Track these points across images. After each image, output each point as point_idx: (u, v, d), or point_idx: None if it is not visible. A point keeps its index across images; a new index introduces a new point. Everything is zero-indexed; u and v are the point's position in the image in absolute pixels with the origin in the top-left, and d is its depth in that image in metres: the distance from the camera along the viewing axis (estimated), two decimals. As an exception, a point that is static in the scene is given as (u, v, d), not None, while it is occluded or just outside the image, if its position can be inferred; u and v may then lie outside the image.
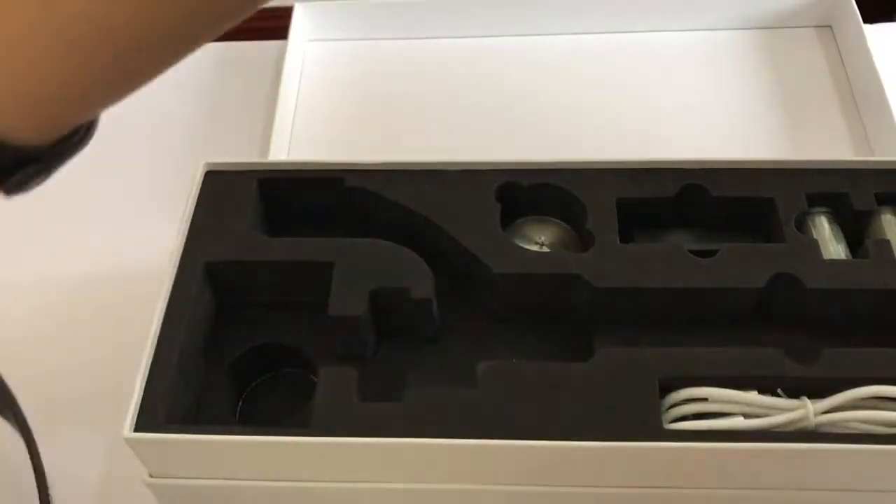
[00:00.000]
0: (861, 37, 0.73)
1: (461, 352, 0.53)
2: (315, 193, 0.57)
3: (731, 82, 0.76)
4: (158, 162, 0.73)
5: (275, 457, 0.47)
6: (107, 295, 0.64)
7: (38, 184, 0.37)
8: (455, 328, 0.54)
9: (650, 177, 0.55)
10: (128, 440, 0.46)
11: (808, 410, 0.46)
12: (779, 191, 0.54)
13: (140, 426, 0.46)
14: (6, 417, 0.54)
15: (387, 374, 0.52)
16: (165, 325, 0.49)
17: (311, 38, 0.82)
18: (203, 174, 0.56)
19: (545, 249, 0.55)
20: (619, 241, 0.52)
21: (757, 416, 0.47)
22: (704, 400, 0.47)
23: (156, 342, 0.49)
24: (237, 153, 0.72)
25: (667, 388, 0.47)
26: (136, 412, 0.46)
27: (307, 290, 0.52)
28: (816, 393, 0.47)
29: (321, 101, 0.77)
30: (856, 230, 0.55)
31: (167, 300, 0.50)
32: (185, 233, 0.53)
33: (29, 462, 0.52)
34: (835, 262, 0.52)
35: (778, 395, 0.48)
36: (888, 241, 0.52)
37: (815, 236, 0.53)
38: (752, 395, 0.47)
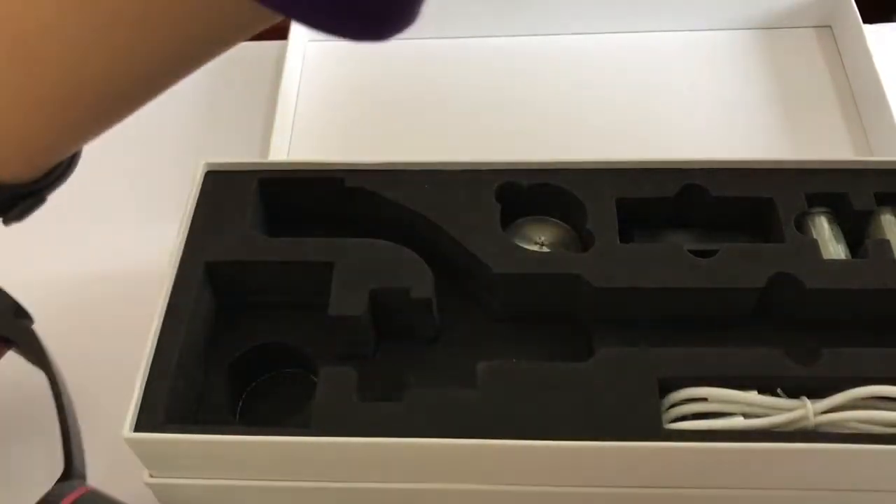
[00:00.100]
0: (861, 37, 0.73)
1: (461, 352, 0.53)
2: (315, 193, 0.57)
3: (731, 82, 0.76)
4: (158, 162, 0.73)
5: (275, 457, 0.47)
6: (107, 295, 0.64)
7: (33, 211, 0.39)
8: (455, 328, 0.54)
9: (650, 177, 0.55)
10: (128, 440, 0.46)
11: (807, 410, 0.46)
12: (778, 191, 0.54)
13: (140, 426, 0.46)
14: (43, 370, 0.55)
15: (387, 374, 0.52)
16: (165, 325, 0.50)
17: (311, 38, 0.82)
18: (203, 174, 0.56)
19: (545, 249, 0.56)
20: (618, 241, 0.52)
21: (757, 415, 0.47)
22: (704, 400, 0.47)
23: (156, 342, 0.49)
24: (237, 153, 0.72)
25: (667, 388, 0.48)
26: (136, 412, 0.46)
27: (307, 290, 0.52)
28: (816, 393, 0.47)
29: (321, 101, 0.77)
30: (856, 230, 0.55)
31: (167, 300, 0.50)
32: (186, 233, 0.53)
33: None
34: (834, 262, 0.52)
35: (778, 395, 0.48)
36: (888, 241, 0.52)
37: (814, 236, 0.53)
38: (752, 395, 0.47)
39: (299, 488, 0.48)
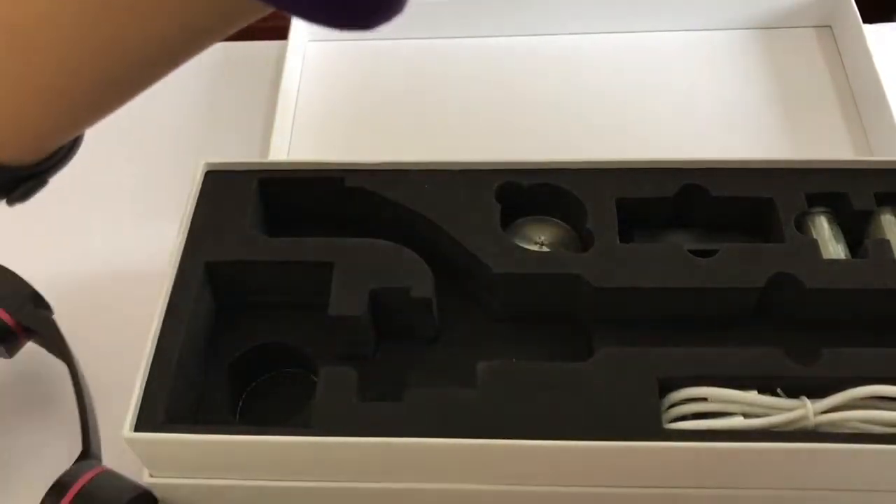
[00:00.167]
0: (861, 37, 0.73)
1: (461, 352, 0.53)
2: (315, 193, 0.57)
3: (731, 82, 0.76)
4: (158, 162, 0.73)
5: (275, 457, 0.47)
6: (107, 294, 0.64)
7: (36, 192, 0.41)
8: (455, 328, 0.54)
9: (650, 177, 0.55)
10: (128, 440, 0.46)
11: (807, 410, 0.46)
12: (778, 191, 0.54)
13: (140, 426, 0.46)
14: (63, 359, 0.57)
15: (387, 374, 0.52)
16: (166, 325, 0.50)
17: (311, 38, 0.82)
18: (203, 174, 0.56)
19: (545, 249, 0.56)
20: (618, 241, 0.52)
21: (757, 415, 0.47)
22: (704, 400, 0.47)
23: (156, 342, 0.49)
24: (237, 153, 0.72)
25: (667, 388, 0.48)
26: (136, 412, 0.46)
27: (307, 290, 0.52)
28: (816, 393, 0.47)
29: (321, 101, 0.77)
30: (856, 230, 0.55)
31: (167, 300, 0.50)
32: (186, 232, 0.53)
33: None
34: (834, 262, 0.52)
35: (777, 395, 0.48)
36: (888, 241, 0.52)
37: (814, 236, 0.53)
38: (752, 395, 0.47)
39: (299, 488, 0.48)
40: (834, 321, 0.51)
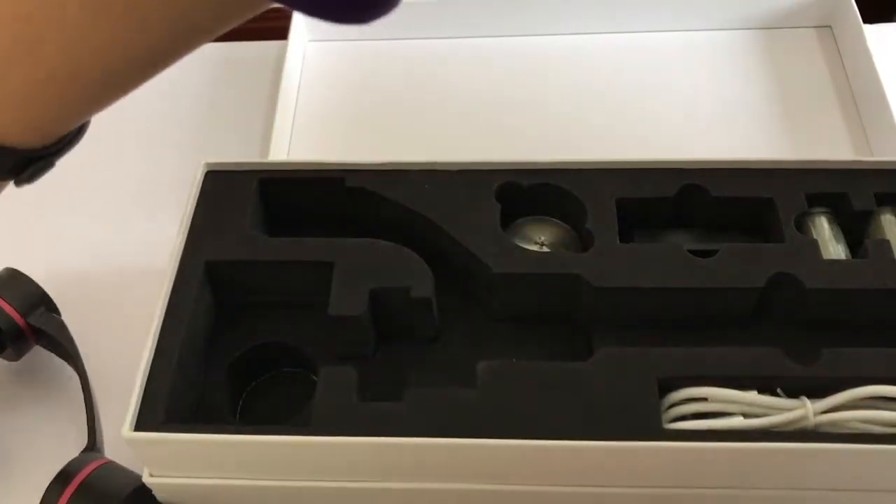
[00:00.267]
0: (861, 37, 0.73)
1: (461, 352, 0.53)
2: (315, 193, 0.57)
3: (731, 82, 0.76)
4: (159, 162, 0.73)
5: (275, 456, 0.47)
6: (107, 293, 0.64)
7: (44, 174, 0.42)
8: (455, 328, 0.54)
9: (650, 177, 0.55)
10: (128, 439, 0.46)
11: (807, 410, 0.46)
12: (778, 191, 0.54)
13: (140, 425, 0.46)
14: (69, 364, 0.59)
15: (387, 373, 0.52)
16: (166, 325, 0.50)
17: (311, 38, 0.82)
18: (203, 174, 0.56)
19: (545, 249, 0.56)
20: (618, 241, 0.52)
21: (756, 415, 0.47)
22: (704, 400, 0.47)
23: (156, 341, 0.49)
24: (237, 153, 0.72)
25: (666, 388, 0.48)
26: (137, 411, 0.46)
27: (307, 289, 0.52)
28: (816, 393, 0.47)
29: (321, 101, 0.77)
30: (856, 230, 0.55)
31: (167, 299, 0.50)
32: (186, 232, 0.53)
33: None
34: (834, 262, 0.52)
35: (777, 395, 0.48)
36: (888, 241, 0.52)
37: (814, 236, 0.53)
38: (752, 395, 0.47)
39: (299, 488, 0.48)
40: (834, 321, 0.51)
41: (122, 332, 0.57)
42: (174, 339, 0.49)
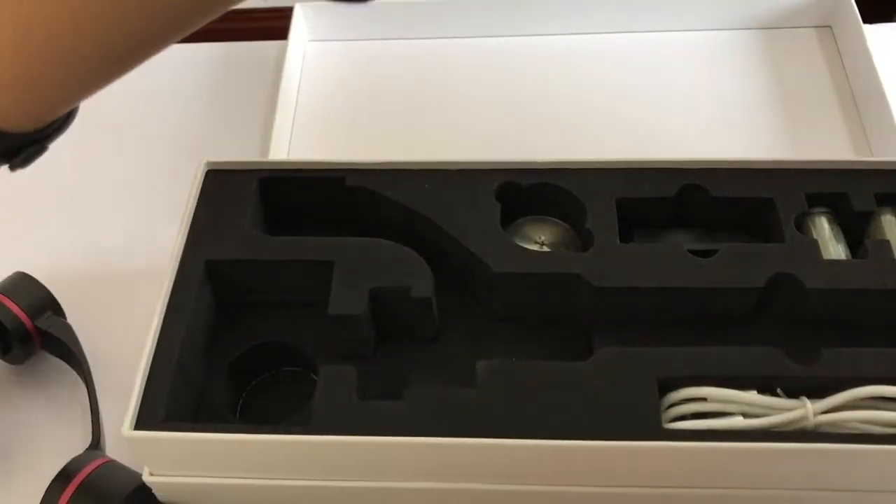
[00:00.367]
0: (861, 37, 0.73)
1: (461, 351, 0.53)
2: (315, 193, 0.57)
3: (731, 82, 0.76)
4: (159, 161, 0.73)
5: (275, 455, 0.47)
6: (107, 293, 0.64)
7: (37, 158, 0.43)
8: (455, 328, 0.54)
9: (650, 177, 0.55)
10: (128, 438, 0.46)
11: (807, 410, 0.46)
12: (778, 191, 0.54)
13: (140, 424, 0.46)
14: (73, 366, 0.59)
15: (387, 373, 0.52)
16: (166, 324, 0.50)
17: (311, 38, 0.82)
18: (204, 173, 0.56)
19: (545, 249, 0.56)
20: (618, 241, 0.52)
21: (756, 415, 0.47)
22: (704, 400, 0.47)
23: (156, 340, 0.49)
24: (237, 153, 0.72)
25: (666, 388, 0.48)
26: (137, 410, 0.46)
27: (307, 289, 0.52)
28: (816, 393, 0.47)
29: (321, 101, 0.77)
30: (856, 230, 0.55)
31: (167, 298, 0.51)
32: (186, 231, 0.53)
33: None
34: (834, 263, 0.52)
35: (777, 395, 0.48)
36: (888, 242, 0.52)
37: (814, 236, 0.53)
38: (752, 395, 0.47)
39: (299, 487, 0.48)
40: (834, 321, 0.51)
41: (122, 331, 0.57)
42: (174, 339, 0.49)
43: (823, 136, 0.72)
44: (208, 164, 0.57)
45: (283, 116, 0.72)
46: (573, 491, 0.48)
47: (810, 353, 0.48)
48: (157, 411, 0.46)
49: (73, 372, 0.59)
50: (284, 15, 0.80)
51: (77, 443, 0.56)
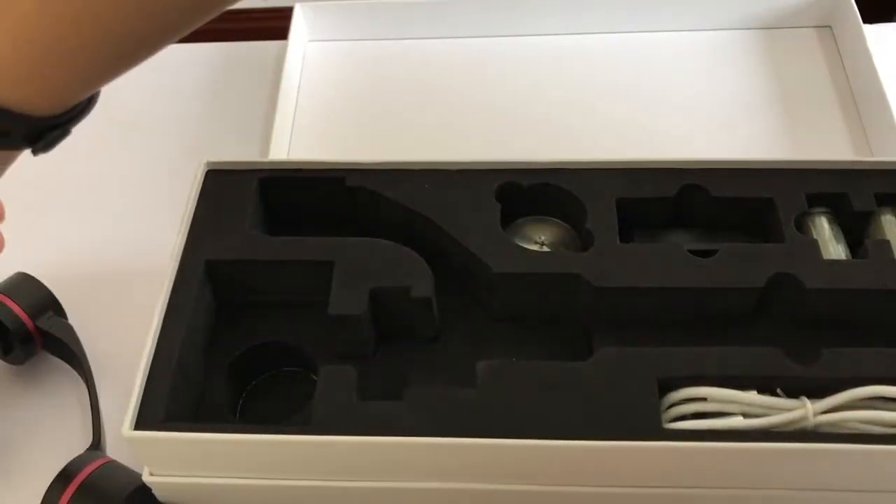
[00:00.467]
0: (861, 37, 0.73)
1: (461, 351, 0.53)
2: (315, 193, 0.57)
3: (731, 82, 0.76)
4: (159, 161, 0.73)
5: (274, 455, 0.47)
6: (107, 293, 0.64)
7: (59, 142, 0.43)
8: (455, 328, 0.54)
9: (650, 177, 0.55)
10: (128, 438, 0.46)
11: (807, 410, 0.46)
12: (779, 191, 0.54)
13: (140, 424, 0.46)
14: (74, 366, 0.60)
15: (387, 373, 0.52)
16: (166, 324, 0.50)
17: (311, 38, 0.82)
18: (204, 173, 0.56)
19: (545, 249, 0.56)
20: (618, 241, 0.52)
21: (756, 415, 0.47)
22: (704, 399, 0.47)
23: (156, 340, 0.49)
24: (237, 153, 0.72)
25: (666, 388, 0.48)
26: (136, 410, 0.46)
27: (307, 289, 0.52)
28: (816, 393, 0.47)
29: (321, 101, 0.77)
30: (856, 230, 0.55)
31: (167, 298, 0.51)
32: (186, 231, 0.53)
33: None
34: (834, 263, 0.52)
35: (777, 395, 0.48)
36: (888, 242, 0.52)
37: (814, 236, 0.53)
38: (752, 395, 0.47)
39: (299, 487, 0.48)
40: (834, 321, 0.51)
41: (122, 331, 0.57)
42: (174, 338, 0.49)
43: (823, 136, 0.72)
44: (208, 164, 0.57)
45: (283, 116, 0.72)
46: (573, 491, 0.48)
47: (810, 353, 0.48)
48: (157, 411, 0.46)
49: (74, 372, 0.59)
50: (284, 15, 0.80)
51: (77, 443, 0.56)
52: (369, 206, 0.56)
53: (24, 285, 0.58)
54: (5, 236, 0.51)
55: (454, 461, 0.46)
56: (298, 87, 0.78)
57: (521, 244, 0.54)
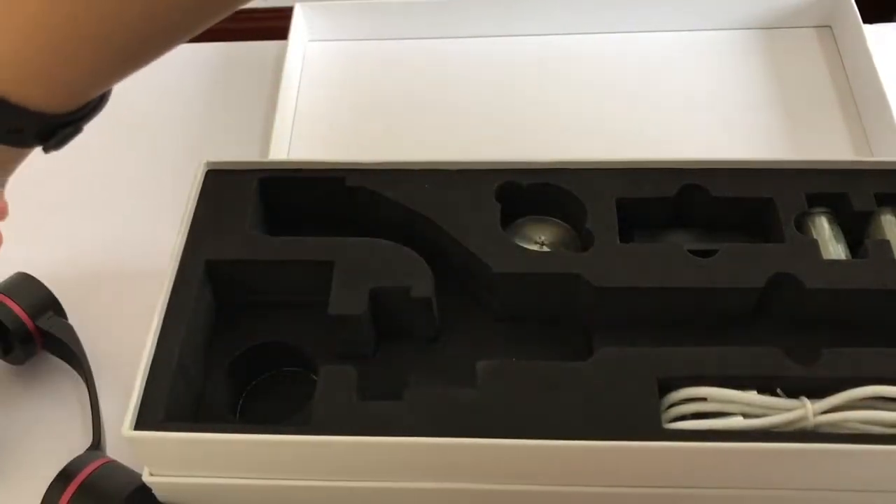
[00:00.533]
0: (861, 37, 0.73)
1: (461, 351, 0.53)
2: (315, 193, 0.57)
3: (731, 82, 0.76)
4: (159, 161, 0.73)
5: (275, 455, 0.47)
6: (107, 293, 0.64)
7: (71, 139, 0.43)
8: (455, 328, 0.54)
9: (650, 177, 0.55)
10: (128, 438, 0.46)
11: (807, 410, 0.46)
12: (778, 191, 0.54)
13: (140, 424, 0.46)
14: (74, 366, 0.60)
15: (387, 373, 0.52)
16: (166, 324, 0.50)
17: (311, 38, 0.82)
18: (204, 173, 0.56)
19: (545, 249, 0.56)
20: (618, 241, 0.52)
21: (756, 415, 0.47)
22: (703, 400, 0.47)
23: (156, 340, 0.49)
24: (237, 153, 0.72)
25: (666, 388, 0.48)
26: (137, 410, 0.46)
27: (307, 289, 0.52)
28: (816, 393, 0.47)
29: (321, 101, 0.77)
30: (856, 230, 0.55)
31: (167, 298, 0.51)
32: (186, 231, 0.53)
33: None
34: (834, 263, 0.52)
35: (777, 395, 0.48)
36: (888, 242, 0.52)
37: (814, 236, 0.53)
38: (752, 395, 0.47)
39: (299, 487, 0.48)
40: (834, 321, 0.51)
41: (122, 331, 0.57)
42: (174, 338, 0.49)
43: (823, 136, 0.72)
44: (208, 164, 0.57)
45: (283, 116, 0.72)
46: (573, 491, 0.48)
47: (810, 353, 0.48)
48: (156, 411, 0.46)
49: (74, 372, 0.59)
50: (284, 15, 0.80)
51: (77, 443, 0.56)
52: (369, 206, 0.56)
53: (24, 285, 0.58)
54: (6, 235, 0.51)
55: (454, 461, 0.46)
56: (298, 87, 0.78)
57: (521, 244, 0.54)
